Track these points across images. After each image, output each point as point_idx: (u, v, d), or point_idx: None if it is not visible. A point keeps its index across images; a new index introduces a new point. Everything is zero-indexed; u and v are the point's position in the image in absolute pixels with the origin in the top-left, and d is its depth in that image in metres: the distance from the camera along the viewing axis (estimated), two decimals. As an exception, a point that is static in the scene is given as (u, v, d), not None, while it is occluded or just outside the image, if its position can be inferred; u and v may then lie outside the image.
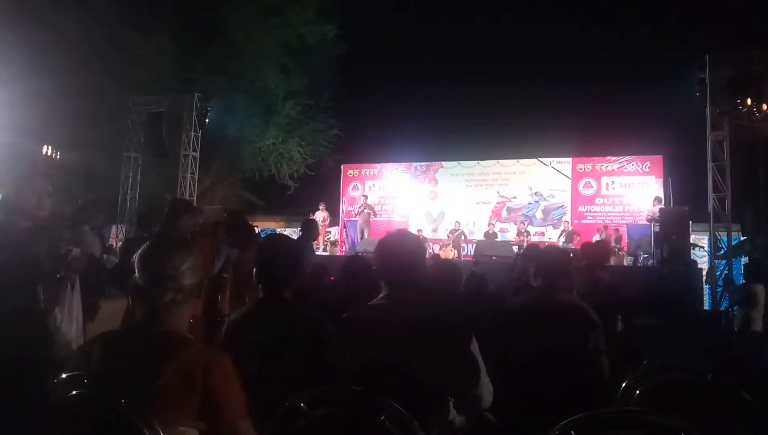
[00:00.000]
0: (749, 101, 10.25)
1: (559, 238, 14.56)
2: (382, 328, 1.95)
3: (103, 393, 1.47)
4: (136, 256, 1.65)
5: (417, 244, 2.17)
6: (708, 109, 10.88)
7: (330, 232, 16.35)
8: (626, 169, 15.83)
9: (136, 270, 1.63)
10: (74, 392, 1.49)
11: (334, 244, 16.08)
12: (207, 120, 14.81)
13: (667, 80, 14.14)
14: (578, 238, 13.48)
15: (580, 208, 16.06)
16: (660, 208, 11.45)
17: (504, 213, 16.84)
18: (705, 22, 15.94)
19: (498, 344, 2.94)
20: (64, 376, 1.54)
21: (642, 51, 17.99)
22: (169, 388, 1.48)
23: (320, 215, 14.97)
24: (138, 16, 15.20)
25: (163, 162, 14.90)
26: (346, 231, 16.43)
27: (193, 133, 14.31)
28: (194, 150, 14.44)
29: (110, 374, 1.52)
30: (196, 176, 14.67)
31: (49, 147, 13.92)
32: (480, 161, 17.39)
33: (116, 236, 13.98)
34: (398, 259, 2.08)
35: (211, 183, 17.75)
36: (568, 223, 15.21)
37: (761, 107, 10.21)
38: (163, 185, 15.13)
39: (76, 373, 1.56)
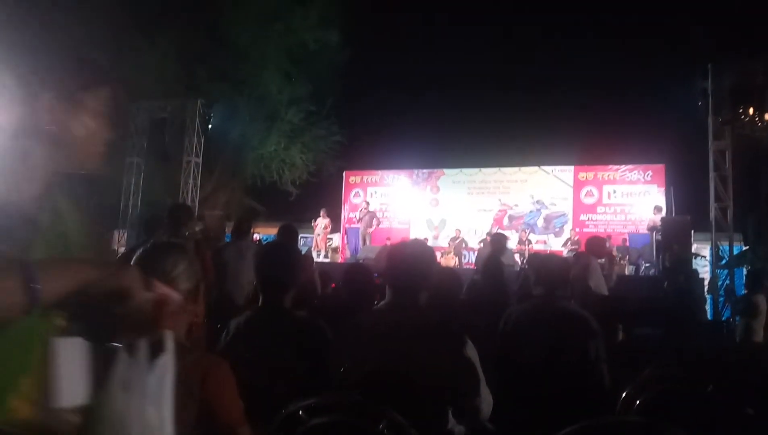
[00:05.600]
0: (751, 111, 10.27)
1: (564, 245, 14.49)
2: (383, 335, 1.95)
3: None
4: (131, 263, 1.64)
5: (425, 252, 2.20)
6: (710, 119, 10.89)
7: (331, 238, 16.35)
8: (628, 177, 15.81)
9: None
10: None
11: (335, 250, 16.08)
12: (210, 126, 14.86)
13: (669, 89, 14.19)
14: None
15: (582, 217, 16.02)
16: (662, 218, 11.42)
17: (505, 221, 16.80)
18: (707, 31, 15.97)
19: (499, 352, 2.94)
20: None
21: (644, 60, 18.02)
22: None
23: (322, 222, 14.98)
24: (141, 22, 15.27)
25: (165, 168, 14.94)
26: (347, 237, 16.42)
27: (195, 138, 14.35)
28: (197, 156, 14.47)
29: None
30: (199, 182, 14.69)
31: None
32: (482, 169, 17.34)
33: (118, 242, 13.98)
34: (404, 266, 2.10)
35: (213, 189, 17.75)
36: (572, 231, 15.20)
37: (763, 117, 10.23)
38: (166, 191, 15.15)
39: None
